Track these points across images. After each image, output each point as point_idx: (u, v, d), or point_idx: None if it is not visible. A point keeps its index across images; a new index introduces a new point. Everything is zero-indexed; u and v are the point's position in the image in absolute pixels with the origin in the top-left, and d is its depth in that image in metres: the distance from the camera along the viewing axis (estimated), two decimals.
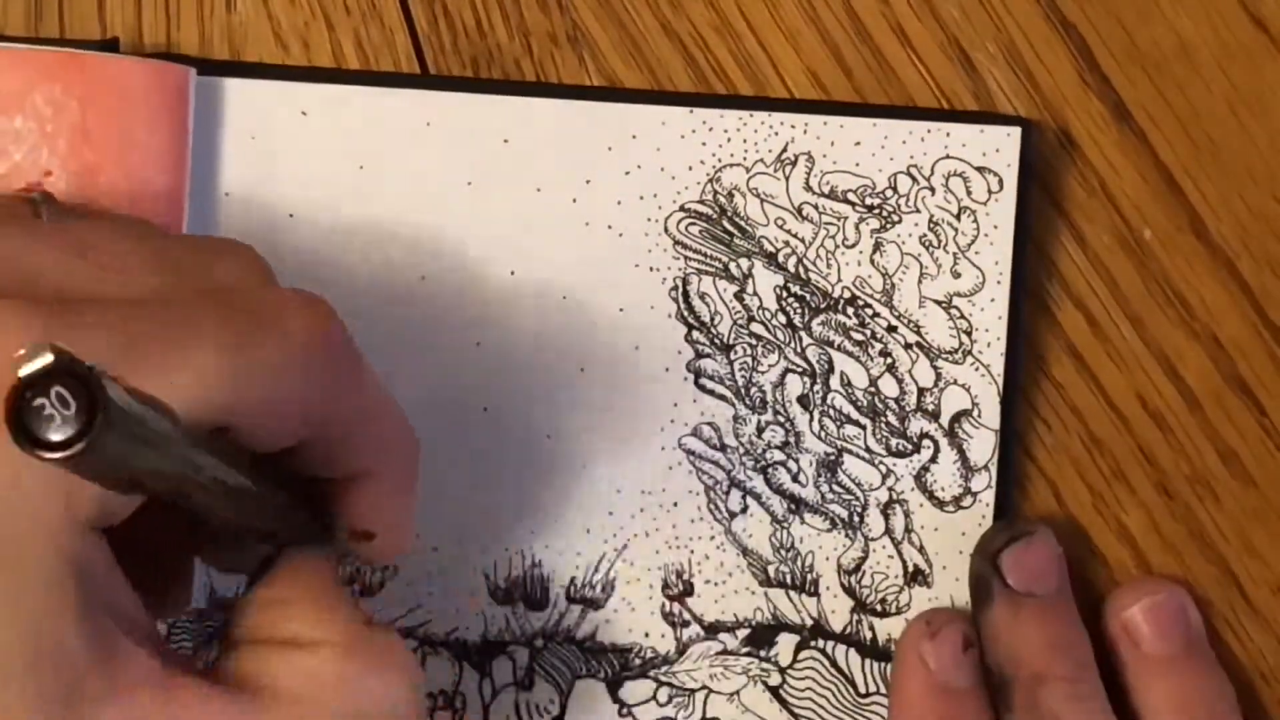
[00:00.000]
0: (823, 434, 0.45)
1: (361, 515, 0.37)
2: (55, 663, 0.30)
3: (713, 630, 0.45)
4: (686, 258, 0.44)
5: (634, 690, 0.45)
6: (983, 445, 0.45)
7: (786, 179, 0.45)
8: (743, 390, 0.45)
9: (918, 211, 0.45)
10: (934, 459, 0.45)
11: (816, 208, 0.45)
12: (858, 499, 0.45)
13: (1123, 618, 0.44)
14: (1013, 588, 0.43)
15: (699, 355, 0.45)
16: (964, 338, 0.45)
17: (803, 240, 0.45)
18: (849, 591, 0.45)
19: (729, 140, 0.45)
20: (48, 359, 0.24)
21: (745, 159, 0.45)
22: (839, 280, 0.45)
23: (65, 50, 0.42)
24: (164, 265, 0.35)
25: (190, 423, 0.31)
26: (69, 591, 0.30)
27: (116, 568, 0.32)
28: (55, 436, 0.24)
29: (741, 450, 0.45)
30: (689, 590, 0.45)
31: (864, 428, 0.45)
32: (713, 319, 0.45)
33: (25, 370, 0.24)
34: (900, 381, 0.45)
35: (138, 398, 0.26)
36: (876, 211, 0.45)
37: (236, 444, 0.33)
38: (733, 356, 0.45)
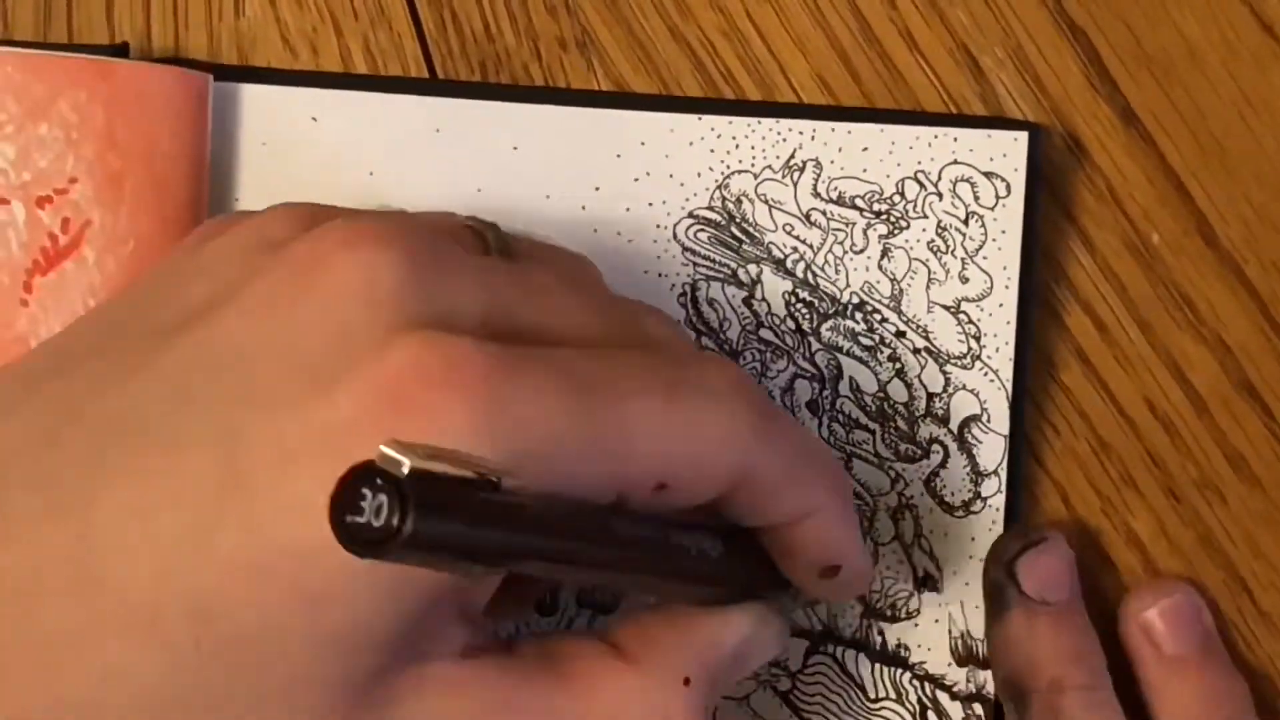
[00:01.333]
0: (832, 439, 0.45)
1: (822, 550, 0.38)
2: (393, 646, 0.32)
3: None
4: (695, 264, 0.45)
5: None
6: (992, 450, 0.45)
7: (794, 185, 0.45)
8: None
9: (925, 217, 0.45)
10: (943, 464, 0.45)
11: (824, 214, 0.45)
12: (867, 504, 0.45)
13: (1140, 620, 0.44)
14: (1028, 595, 0.44)
15: None
16: (972, 342, 0.45)
17: (811, 246, 0.45)
18: (858, 596, 0.45)
19: (737, 147, 0.45)
20: (397, 463, 0.26)
21: (753, 165, 0.45)
22: (847, 286, 0.45)
23: (89, 57, 0.42)
24: (603, 316, 0.36)
25: (627, 477, 0.33)
26: (448, 595, 0.32)
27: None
28: (366, 535, 0.26)
29: None
30: None
31: (873, 433, 0.45)
32: (721, 325, 0.45)
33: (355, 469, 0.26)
34: (909, 386, 0.45)
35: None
36: (884, 217, 0.45)
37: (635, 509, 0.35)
38: (741, 362, 0.45)
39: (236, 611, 0.31)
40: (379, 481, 0.26)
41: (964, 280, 0.45)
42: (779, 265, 0.45)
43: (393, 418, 0.30)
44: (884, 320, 0.45)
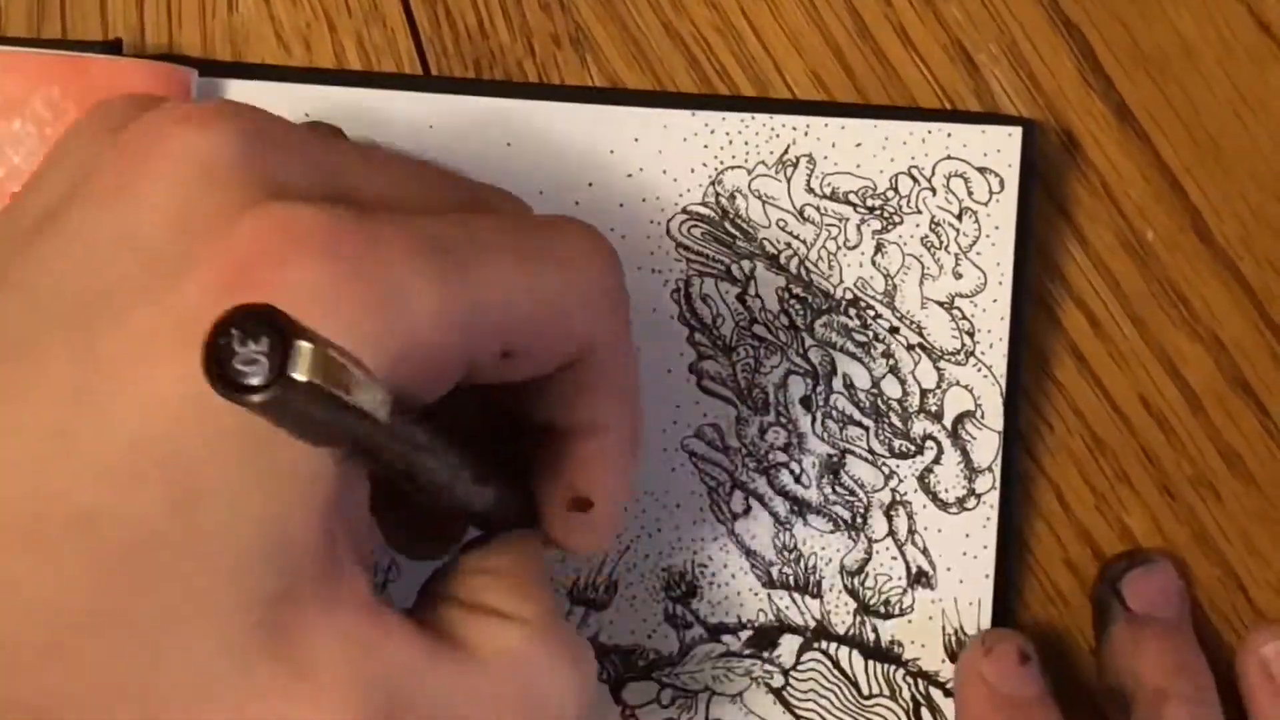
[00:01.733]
0: (825, 435, 0.45)
1: (586, 476, 0.37)
2: (287, 560, 0.30)
3: (715, 632, 0.45)
4: (689, 260, 0.44)
5: (637, 692, 0.45)
6: (986, 446, 0.45)
7: (788, 181, 0.45)
8: (745, 392, 0.45)
9: (919, 212, 0.45)
10: (937, 460, 0.45)
11: (818, 209, 0.45)
12: (860, 500, 0.45)
13: (1260, 654, 0.44)
14: (1133, 610, 0.44)
15: (701, 357, 0.45)
16: (966, 339, 0.45)
17: (804, 242, 0.45)
18: (852, 593, 0.45)
19: (730, 143, 0.45)
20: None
21: (747, 161, 0.45)
22: (841, 282, 0.45)
23: (65, 53, 0.42)
24: (451, 185, 0.35)
25: (482, 331, 0.32)
26: (321, 494, 0.30)
27: (365, 495, 0.33)
28: (247, 380, 0.24)
29: (744, 451, 0.45)
30: (692, 592, 0.45)
31: (867, 429, 0.45)
32: (715, 321, 0.45)
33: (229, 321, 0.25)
34: (903, 383, 0.45)
35: (336, 354, 0.26)
36: (878, 213, 0.45)
37: (456, 409, 0.33)
38: (735, 358, 0.45)
39: (114, 520, 0.29)
40: (260, 324, 0.24)
41: (958, 276, 0.45)
42: (772, 261, 0.45)
43: (243, 299, 0.28)
44: (878, 316, 0.45)
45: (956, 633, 0.45)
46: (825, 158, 0.45)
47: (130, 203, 0.31)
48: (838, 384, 0.45)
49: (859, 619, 0.45)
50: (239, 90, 0.44)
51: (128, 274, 0.30)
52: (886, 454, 0.45)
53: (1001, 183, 0.45)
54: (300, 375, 0.24)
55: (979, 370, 0.45)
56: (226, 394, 0.24)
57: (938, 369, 0.45)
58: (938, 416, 0.45)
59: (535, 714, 0.34)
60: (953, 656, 0.45)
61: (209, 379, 0.24)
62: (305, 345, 0.25)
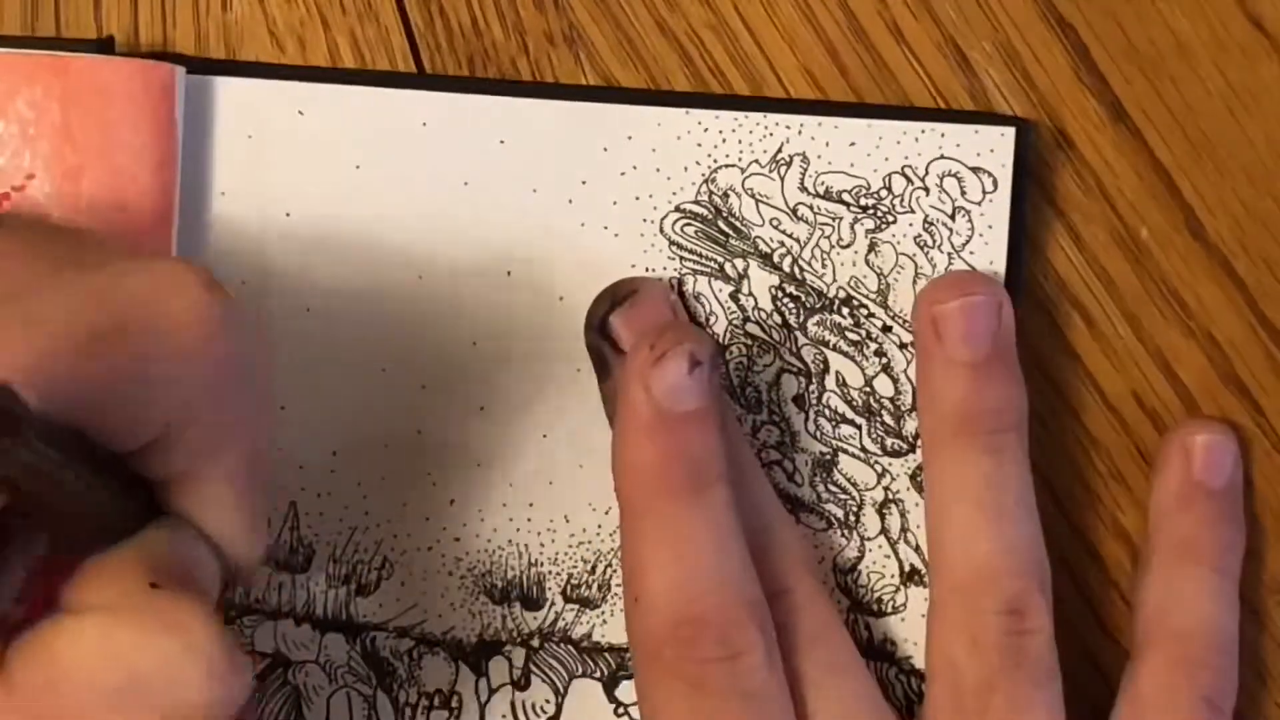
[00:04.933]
0: (818, 434, 0.45)
1: (194, 518, 0.35)
2: None
3: None
4: (682, 258, 0.44)
5: (630, 690, 0.45)
6: None
7: (781, 179, 0.45)
8: (738, 390, 0.45)
9: (912, 212, 0.45)
10: None
11: (811, 208, 0.45)
12: (853, 498, 0.45)
13: (934, 311, 0.43)
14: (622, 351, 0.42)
15: None
16: None
17: (798, 240, 0.45)
18: (845, 591, 0.45)
19: (724, 141, 0.44)
20: None
21: (740, 159, 0.45)
22: (834, 280, 0.45)
23: (46, 53, 0.42)
24: (37, 253, 0.34)
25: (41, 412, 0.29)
26: None
27: None
28: None
29: None
30: None
31: (859, 427, 0.45)
32: (708, 319, 0.45)
33: None
34: (895, 381, 0.45)
35: None
36: (871, 212, 0.45)
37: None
38: (728, 356, 0.45)
39: None
40: None
41: None
42: (766, 259, 0.45)
43: None
44: (870, 315, 0.45)
45: None
46: (819, 157, 0.45)
47: None
48: (830, 382, 0.45)
49: (852, 617, 0.45)
50: (232, 87, 0.44)
51: None
52: (879, 452, 0.45)
53: (995, 182, 0.45)
54: None
55: None
56: None
57: None
58: None
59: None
60: None
61: None
62: None
